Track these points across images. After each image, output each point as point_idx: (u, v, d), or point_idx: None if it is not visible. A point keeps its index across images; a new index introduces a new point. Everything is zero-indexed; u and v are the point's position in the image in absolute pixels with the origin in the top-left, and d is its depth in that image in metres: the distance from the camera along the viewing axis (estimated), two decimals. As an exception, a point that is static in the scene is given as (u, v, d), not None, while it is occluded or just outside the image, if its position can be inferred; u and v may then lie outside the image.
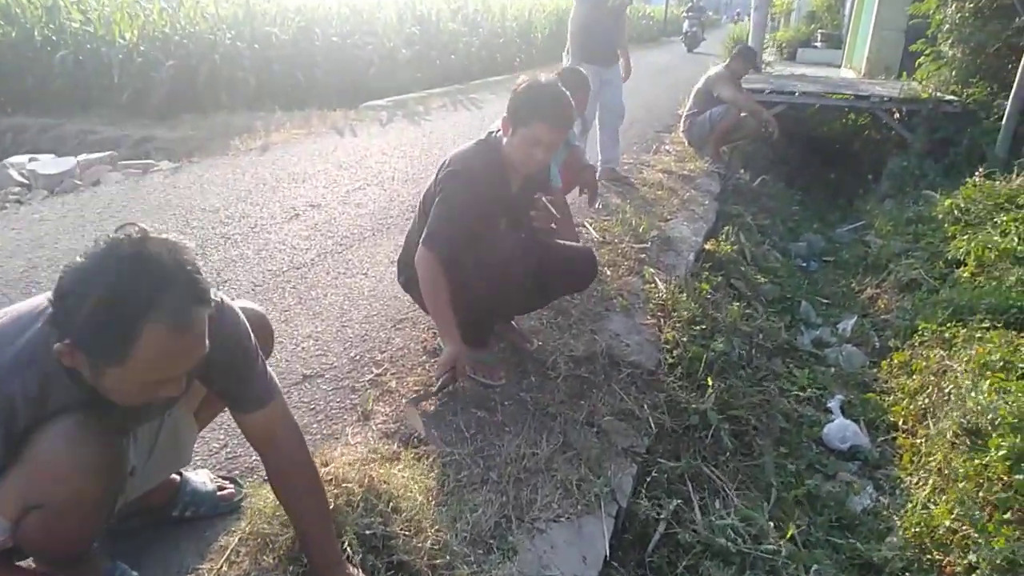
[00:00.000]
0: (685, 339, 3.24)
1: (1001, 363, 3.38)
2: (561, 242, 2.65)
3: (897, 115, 7.56)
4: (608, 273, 3.70)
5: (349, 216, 4.12)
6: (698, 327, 3.36)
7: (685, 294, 3.62)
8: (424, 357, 2.60)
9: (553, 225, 2.60)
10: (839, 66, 14.04)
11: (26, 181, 4.67)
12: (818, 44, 18.23)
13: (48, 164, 4.79)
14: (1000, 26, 6.85)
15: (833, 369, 4.28)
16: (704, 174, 6.34)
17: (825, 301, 5.34)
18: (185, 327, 1.15)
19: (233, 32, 8.94)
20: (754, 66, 6.60)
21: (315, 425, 2.17)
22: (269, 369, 1.53)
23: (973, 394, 3.11)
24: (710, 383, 3.00)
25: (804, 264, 6.20)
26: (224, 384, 1.47)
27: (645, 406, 2.73)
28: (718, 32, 30.59)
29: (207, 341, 1.21)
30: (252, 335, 1.50)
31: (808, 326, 4.91)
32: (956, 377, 3.47)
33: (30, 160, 4.90)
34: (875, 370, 4.21)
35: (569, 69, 3.74)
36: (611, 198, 5.00)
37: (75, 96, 8.36)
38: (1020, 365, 3.30)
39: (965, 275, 4.62)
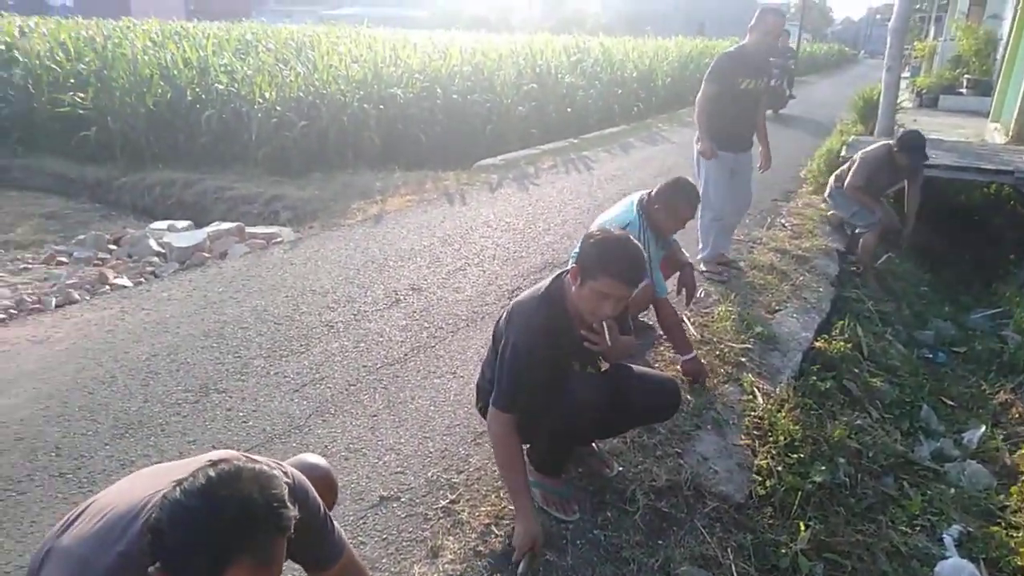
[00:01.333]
0: (780, 468, 3.06)
1: None
2: (643, 371, 2.59)
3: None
4: (709, 382, 3.57)
5: (447, 303, 4.23)
6: (796, 454, 3.17)
7: (784, 412, 3.42)
8: (499, 483, 2.60)
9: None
10: (987, 115, 12.99)
11: (163, 251, 5.14)
12: (963, 90, 16.97)
13: (182, 237, 5.26)
14: None
15: (953, 490, 3.89)
16: (822, 253, 6.03)
17: (950, 403, 4.90)
18: (269, 561, 1.23)
19: (361, 93, 9.48)
20: (920, 162, 5.93)
21: (385, 559, 2.21)
22: (336, 524, 1.64)
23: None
24: (803, 528, 2.80)
25: (931, 355, 5.73)
26: (300, 554, 1.57)
27: (729, 549, 2.59)
28: (841, 79, 29.16)
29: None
30: (319, 501, 1.58)
31: (928, 435, 4.51)
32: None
33: (168, 229, 5.39)
34: (1002, 496, 3.80)
35: (683, 181, 3.66)
36: (714, 287, 4.84)
37: (217, 153, 9.12)
38: None
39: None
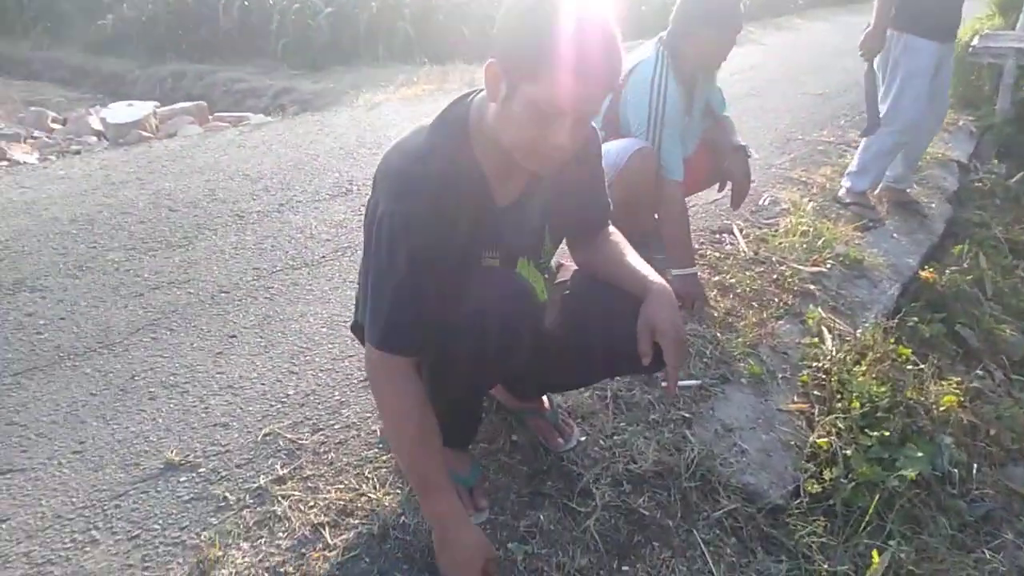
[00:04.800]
0: (851, 451, 1.94)
1: None
2: (619, 292, 1.48)
3: None
4: (746, 314, 2.45)
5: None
6: (878, 430, 2.03)
7: (864, 364, 2.27)
8: (371, 451, 1.62)
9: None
10: None
11: (102, 130, 4.32)
12: None
13: (120, 113, 4.41)
14: None
15: (1118, 489, 2.68)
16: (937, 163, 4.62)
17: (1110, 367, 3.57)
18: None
19: (396, -22, 8.36)
20: None
21: (121, 570, 1.29)
22: None
23: None
24: (876, 555, 1.71)
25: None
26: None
27: (747, 586, 1.55)
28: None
29: None
30: None
31: (1077, 408, 3.24)
32: None
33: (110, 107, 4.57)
34: None
35: None
36: (786, 193, 3.61)
37: (238, 45, 8.27)
38: None
39: None
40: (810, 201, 3.54)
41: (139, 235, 2.66)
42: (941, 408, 2.33)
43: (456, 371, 1.30)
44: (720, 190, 2.78)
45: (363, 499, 1.48)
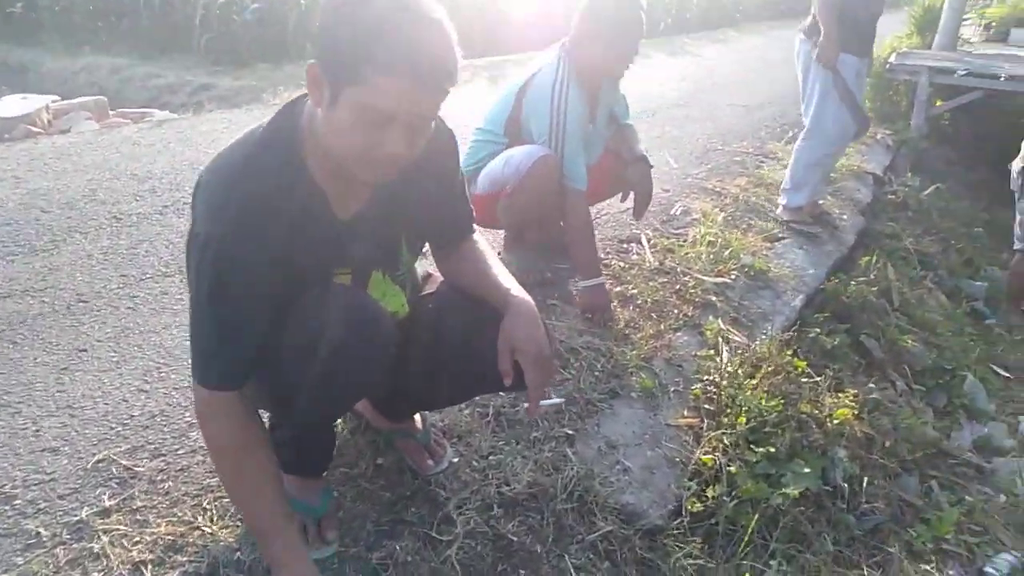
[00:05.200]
0: (735, 467, 1.90)
1: None
2: (482, 307, 1.38)
3: None
4: (644, 326, 2.40)
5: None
6: (767, 445, 2.00)
7: (758, 377, 2.25)
8: (214, 479, 1.49)
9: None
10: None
11: (-14, 124, 4.05)
12: (1041, 23, 14.96)
13: (9, 106, 4.13)
14: None
15: (1004, 498, 2.72)
16: (852, 175, 4.72)
17: (1005, 375, 3.67)
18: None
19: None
20: None
21: None
22: None
23: None
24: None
25: (983, 311, 4.46)
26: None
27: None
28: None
29: None
30: None
31: (973, 416, 3.30)
32: None
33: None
34: (1075, 514, 2.62)
35: None
36: (698, 203, 3.60)
37: (161, 40, 7.95)
38: None
39: None
40: (721, 212, 3.54)
41: (3, 238, 2.45)
42: (835, 421, 2.32)
43: (297, 400, 1.19)
44: (623, 200, 2.73)
45: (196, 533, 1.35)
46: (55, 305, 2.07)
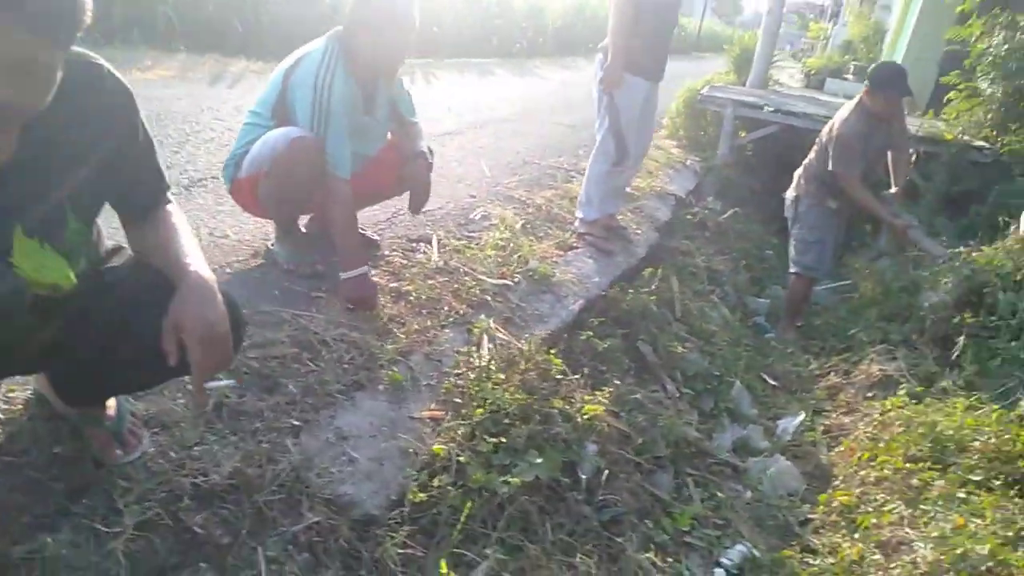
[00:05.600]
0: (464, 456, 1.92)
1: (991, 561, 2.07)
2: (153, 281, 1.29)
3: (913, 157, 6.21)
4: (410, 321, 2.39)
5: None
6: (505, 437, 2.04)
7: (512, 371, 2.30)
8: None
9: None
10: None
11: None
12: (849, 76, 16.83)
13: None
14: (1056, 66, 5.51)
15: (750, 494, 2.95)
16: (654, 195, 5.02)
17: (772, 383, 4.01)
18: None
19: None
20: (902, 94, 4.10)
21: None
22: None
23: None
24: (444, 567, 1.68)
25: (763, 326, 4.88)
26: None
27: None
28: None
29: None
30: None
31: (737, 419, 3.58)
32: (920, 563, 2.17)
33: None
34: (808, 507, 2.89)
35: None
36: (499, 210, 3.68)
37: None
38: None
39: (961, 383, 3.29)
40: (521, 219, 3.64)
41: None
42: (585, 416, 2.41)
43: None
44: (400, 192, 2.73)
45: None
46: None
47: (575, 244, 3.65)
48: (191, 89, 5.01)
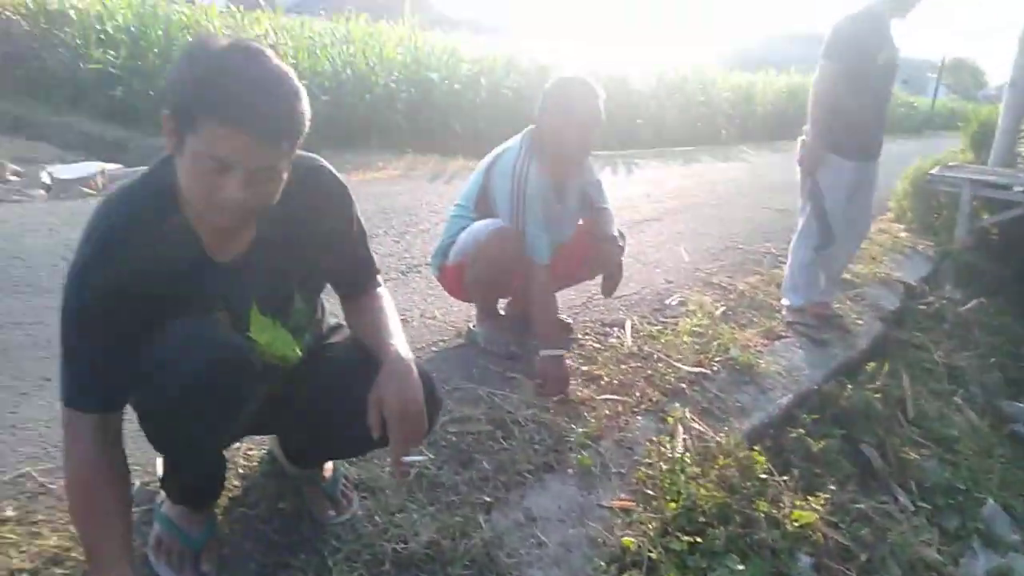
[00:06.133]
0: (655, 552, 1.82)
1: None
2: (363, 359, 1.42)
3: None
4: (602, 406, 2.37)
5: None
6: (700, 536, 1.91)
7: (710, 466, 2.17)
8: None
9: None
10: None
11: (50, 184, 4.46)
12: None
13: (70, 169, 4.56)
14: None
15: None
16: (878, 282, 4.60)
17: (1034, 505, 3.38)
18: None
19: (396, 75, 8.78)
20: None
21: None
22: None
23: None
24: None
25: (1023, 435, 4.16)
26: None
27: None
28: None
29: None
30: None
31: (990, 544, 3.05)
32: None
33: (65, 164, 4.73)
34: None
35: (569, 77, 2.46)
36: (698, 295, 3.58)
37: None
38: None
39: None
40: (722, 305, 3.51)
41: (15, 279, 2.69)
42: (795, 524, 2.19)
43: (155, 426, 1.25)
44: (592, 276, 2.76)
45: (79, 550, 1.40)
46: (37, 339, 2.24)
47: (783, 333, 3.42)
48: (413, 186, 5.56)
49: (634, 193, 6.10)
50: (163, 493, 1.47)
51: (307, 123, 1.13)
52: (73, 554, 1.40)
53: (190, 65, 1.07)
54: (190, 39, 8.01)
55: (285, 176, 1.16)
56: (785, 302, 3.59)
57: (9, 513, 1.49)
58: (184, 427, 1.21)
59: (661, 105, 11.68)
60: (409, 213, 4.52)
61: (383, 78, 8.63)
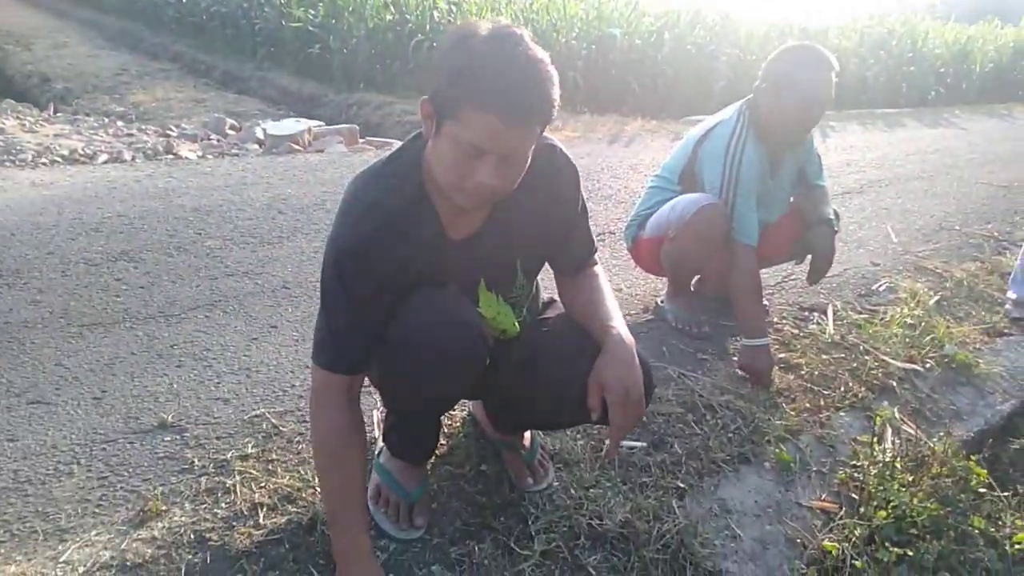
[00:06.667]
0: (860, 561, 1.71)
1: None
2: (583, 338, 1.42)
3: None
4: (801, 398, 2.24)
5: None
6: (911, 548, 1.77)
7: (922, 472, 1.99)
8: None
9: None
10: None
11: (263, 139, 4.86)
12: None
13: (281, 126, 4.93)
14: None
15: None
16: None
17: None
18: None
19: (576, 31, 8.67)
20: None
21: (61, 512, 1.44)
22: None
23: None
24: None
25: None
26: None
27: None
28: None
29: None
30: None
31: None
32: None
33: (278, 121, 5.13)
34: None
35: (804, 45, 2.26)
36: (908, 282, 3.26)
37: (423, 82, 8.94)
38: None
39: None
40: (936, 295, 3.18)
41: (242, 229, 2.98)
42: (1017, 545, 1.97)
43: (396, 387, 1.34)
44: (799, 262, 2.59)
45: (309, 490, 1.55)
46: (264, 287, 2.48)
47: (1007, 330, 3.04)
48: (592, 148, 5.50)
49: (833, 162, 5.64)
50: (381, 444, 1.58)
51: (557, 105, 1.13)
52: (303, 494, 1.55)
53: (451, 54, 1.10)
54: (451, 26, 8.34)
55: (529, 159, 1.17)
56: (1011, 295, 3.18)
57: (250, 450, 1.67)
58: (427, 390, 1.29)
59: (863, 62, 10.66)
60: (590, 178, 4.48)
61: (564, 35, 8.55)
